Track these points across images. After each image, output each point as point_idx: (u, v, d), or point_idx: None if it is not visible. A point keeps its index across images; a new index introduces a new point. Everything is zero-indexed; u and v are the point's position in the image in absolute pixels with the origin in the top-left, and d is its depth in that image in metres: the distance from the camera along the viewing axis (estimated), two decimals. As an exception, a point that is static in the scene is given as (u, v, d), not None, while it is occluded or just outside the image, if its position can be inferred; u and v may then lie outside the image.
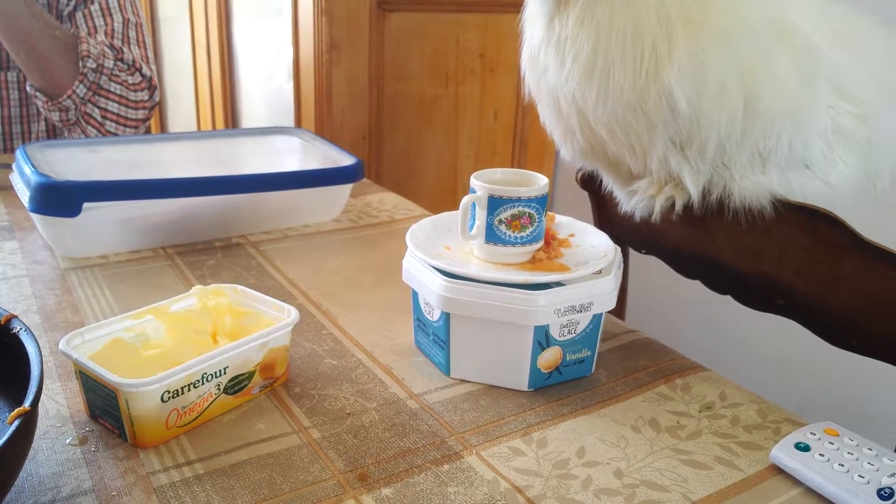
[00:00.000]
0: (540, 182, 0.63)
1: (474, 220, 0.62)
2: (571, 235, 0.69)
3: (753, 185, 0.68)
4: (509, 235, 0.61)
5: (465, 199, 0.62)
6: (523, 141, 1.82)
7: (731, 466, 0.52)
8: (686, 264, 0.82)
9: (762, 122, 0.65)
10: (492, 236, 0.62)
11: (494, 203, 0.61)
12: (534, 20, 0.71)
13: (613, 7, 0.63)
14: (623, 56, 0.63)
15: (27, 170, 0.80)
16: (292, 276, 0.82)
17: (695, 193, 0.69)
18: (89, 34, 1.22)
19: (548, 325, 0.58)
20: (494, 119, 1.75)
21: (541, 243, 0.63)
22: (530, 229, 0.61)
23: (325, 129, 1.51)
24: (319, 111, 1.51)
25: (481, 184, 0.61)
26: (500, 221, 0.61)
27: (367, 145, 1.59)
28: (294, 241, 0.92)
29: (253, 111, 1.95)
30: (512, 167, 1.86)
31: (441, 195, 1.70)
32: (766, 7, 0.68)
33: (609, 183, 0.80)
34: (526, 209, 0.61)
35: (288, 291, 0.78)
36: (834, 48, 0.66)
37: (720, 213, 0.71)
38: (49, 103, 1.16)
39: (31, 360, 0.45)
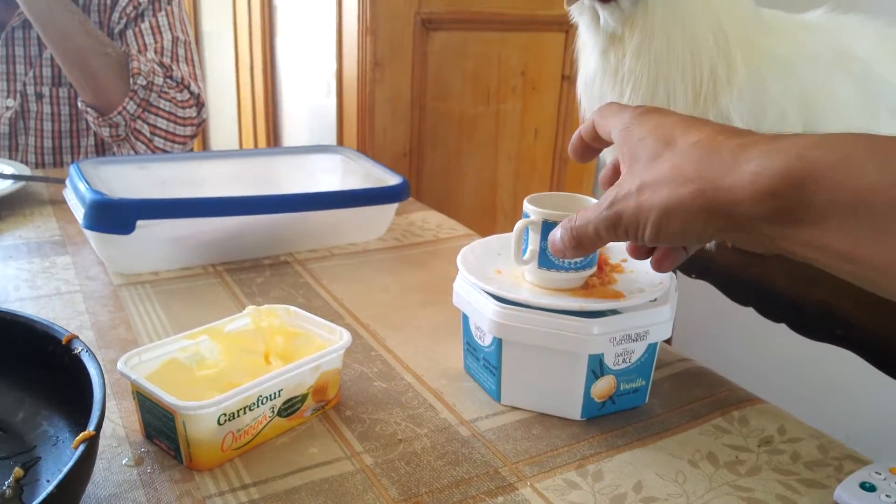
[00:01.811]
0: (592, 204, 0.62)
1: (527, 244, 0.62)
2: (624, 260, 0.68)
3: None
4: (562, 261, 0.60)
5: (519, 224, 0.61)
6: (563, 159, 1.81)
7: (793, 505, 0.51)
8: (738, 290, 0.81)
9: None
10: (545, 261, 0.61)
11: (548, 228, 0.60)
12: (586, 49, 0.70)
13: (670, 37, 0.62)
14: (683, 83, 0.62)
15: (82, 187, 0.81)
16: (340, 295, 0.82)
17: None
18: (140, 51, 1.24)
19: (602, 354, 0.57)
20: (535, 137, 1.74)
21: (594, 269, 0.62)
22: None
23: (367, 146, 1.52)
24: (361, 128, 1.52)
25: (535, 208, 0.61)
26: None
27: (407, 162, 1.59)
28: (340, 259, 0.92)
29: (294, 127, 1.97)
30: (551, 185, 1.86)
31: (480, 213, 1.69)
32: (826, 34, 0.67)
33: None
34: None
35: (336, 311, 0.78)
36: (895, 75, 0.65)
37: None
38: (100, 119, 1.19)
39: (93, 382, 0.46)
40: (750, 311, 0.80)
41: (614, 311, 0.58)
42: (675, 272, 0.87)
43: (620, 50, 0.64)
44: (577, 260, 0.60)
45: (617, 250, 0.70)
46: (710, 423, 0.60)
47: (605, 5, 0.64)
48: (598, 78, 0.68)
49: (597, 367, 0.58)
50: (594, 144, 0.55)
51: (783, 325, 0.77)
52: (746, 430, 0.59)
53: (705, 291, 0.86)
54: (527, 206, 0.61)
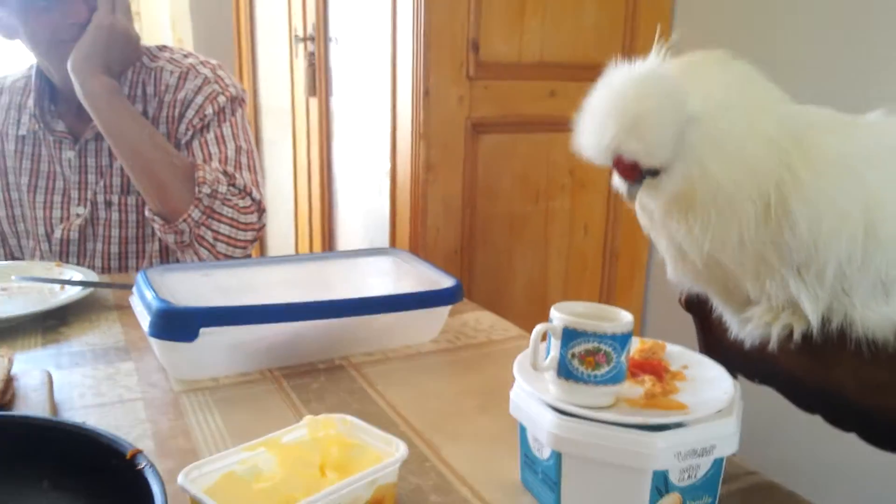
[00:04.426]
0: (622, 319, 0.60)
1: (549, 351, 0.61)
2: (685, 367, 0.67)
3: (877, 315, 0.65)
4: (582, 372, 0.58)
5: (537, 329, 0.59)
6: (614, 254, 1.81)
7: None
8: (804, 397, 0.78)
9: (884, 249, 0.63)
10: (564, 370, 0.59)
11: (569, 335, 0.58)
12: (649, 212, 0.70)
13: (725, 166, 0.62)
14: (752, 203, 0.62)
15: (148, 294, 0.84)
16: (394, 401, 0.82)
17: (814, 320, 0.66)
18: (205, 161, 1.30)
19: (667, 470, 0.56)
20: (584, 234, 1.75)
21: (620, 385, 0.59)
22: (606, 368, 0.57)
23: (420, 245, 1.55)
24: (414, 228, 1.55)
25: (559, 314, 0.60)
26: (574, 356, 0.58)
27: (458, 260, 1.61)
28: (395, 363, 0.93)
29: (348, 227, 2.02)
30: (602, 282, 1.85)
31: (531, 311, 1.69)
32: (884, 134, 0.67)
33: (719, 307, 0.78)
34: (602, 346, 0.57)
35: (390, 418, 0.78)
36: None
37: (841, 344, 0.67)
38: (165, 226, 1.24)
39: (155, 500, 0.46)
40: (818, 418, 0.77)
41: (678, 424, 0.56)
42: (736, 378, 0.85)
43: (683, 202, 0.65)
44: (599, 373, 0.58)
45: (677, 356, 0.69)
46: (783, 543, 0.57)
47: (648, 185, 0.63)
48: (665, 219, 0.68)
49: (661, 484, 0.56)
50: None
51: (853, 435, 0.73)
52: (824, 552, 0.56)
53: (771, 396, 0.83)
54: (552, 313, 0.60)
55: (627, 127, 0.57)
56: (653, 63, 0.63)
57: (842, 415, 0.74)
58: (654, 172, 0.61)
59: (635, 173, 0.58)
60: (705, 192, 0.63)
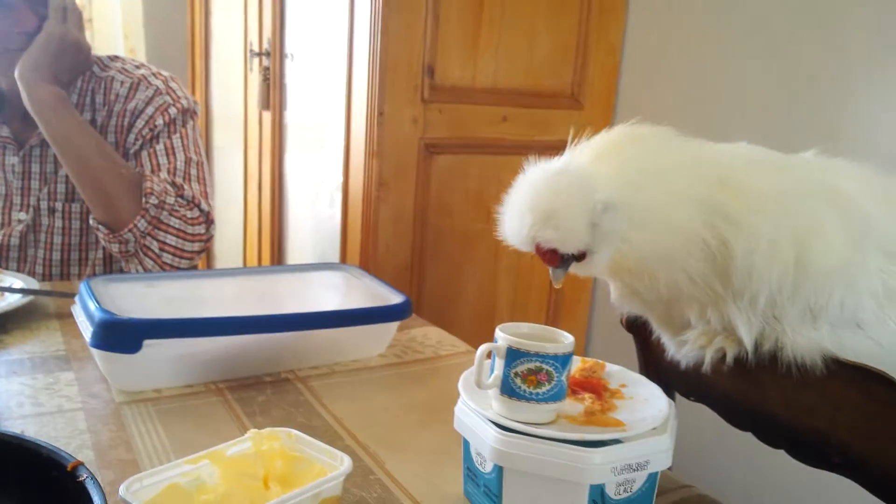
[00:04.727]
0: (564, 340, 0.62)
1: (493, 369, 0.63)
2: (623, 386, 0.69)
3: (805, 339, 0.68)
4: (524, 390, 0.60)
5: (482, 348, 0.61)
6: (561, 274, 1.84)
7: None
8: (737, 415, 0.81)
9: (813, 280, 0.66)
10: (507, 388, 0.60)
11: (513, 355, 0.60)
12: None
13: (651, 232, 0.66)
14: (692, 252, 0.66)
15: (91, 305, 0.83)
16: (340, 414, 0.82)
17: (748, 343, 0.69)
18: (153, 171, 1.29)
19: (604, 484, 0.58)
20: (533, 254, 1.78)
21: (560, 403, 0.61)
22: (547, 387, 0.60)
23: (370, 260, 1.56)
24: (365, 243, 1.56)
25: (503, 334, 0.62)
26: (517, 374, 0.60)
27: (409, 276, 1.62)
28: (341, 377, 0.93)
29: (298, 239, 2.01)
30: (549, 299, 1.88)
31: (480, 328, 1.71)
32: (817, 171, 0.71)
33: (657, 329, 0.81)
34: (544, 365, 0.60)
35: (335, 431, 0.78)
36: (882, 214, 0.68)
37: (772, 367, 0.70)
38: (110, 235, 1.22)
39: (96, 511, 0.46)
40: (749, 435, 0.80)
41: (615, 441, 0.58)
42: (671, 396, 0.88)
43: (623, 267, 0.68)
44: (540, 391, 0.60)
45: (616, 375, 0.71)
46: (712, 556, 0.60)
47: (581, 263, 0.67)
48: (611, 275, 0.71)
49: (598, 497, 0.58)
50: None
51: (782, 451, 0.77)
52: (749, 563, 0.59)
53: (705, 414, 0.86)
54: (497, 333, 0.63)
55: (542, 219, 0.61)
56: (566, 158, 0.67)
57: (772, 433, 0.77)
58: (580, 256, 0.64)
59: (556, 259, 0.62)
60: (641, 259, 0.67)
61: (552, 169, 0.64)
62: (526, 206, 0.63)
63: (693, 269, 0.67)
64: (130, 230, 1.21)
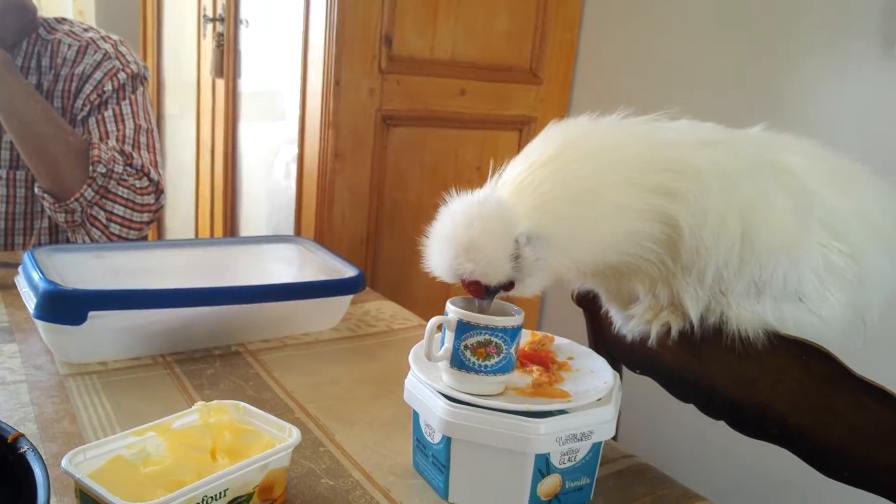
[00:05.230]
0: (514, 314, 0.63)
1: (444, 342, 0.63)
2: (570, 358, 0.70)
3: (749, 313, 0.70)
4: (473, 362, 0.61)
5: (432, 321, 0.62)
6: (517, 249, 1.85)
7: None
8: (680, 388, 0.83)
9: (758, 255, 0.68)
10: (457, 361, 0.61)
11: (463, 327, 0.61)
12: None
13: (584, 247, 0.66)
14: (643, 243, 0.66)
15: (35, 276, 0.81)
16: (290, 387, 0.82)
17: (694, 318, 0.71)
18: (101, 139, 1.26)
19: (548, 453, 0.59)
20: (489, 228, 1.78)
21: (509, 375, 0.62)
22: (496, 359, 0.60)
23: (325, 233, 1.54)
24: (320, 216, 1.54)
25: (454, 308, 0.63)
26: (466, 347, 0.61)
27: (364, 249, 1.61)
28: (293, 350, 0.93)
29: (253, 212, 1.99)
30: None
31: (435, 302, 1.71)
32: (763, 148, 0.72)
33: (606, 304, 0.82)
34: (493, 338, 0.60)
35: (286, 404, 0.78)
36: (826, 190, 0.70)
37: (716, 340, 0.72)
38: (56, 205, 1.19)
39: (37, 483, 0.45)
40: (692, 407, 0.82)
41: (561, 411, 0.59)
42: (618, 369, 0.90)
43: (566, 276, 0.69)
44: (489, 363, 0.61)
45: (565, 348, 0.72)
46: (652, 522, 0.61)
47: (513, 291, 0.66)
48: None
49: (543, 466, 0.59)
50: None
51: (723, 422, 0.79)
52: (687, 530, 0.61)
53: (650, 386, 0.88)
54: (448, 306, 0.63)
55: (462, 252, 0.61)
56: (487, 190, 0.66)
57: (714, 405, 0.79)
58: (507, 285, 0.64)
59: (481, 291, 0.62)
60: (582, 269, 0.68)
61: (473, 201, 0.64)
62: (447, 238, 0.63)
63: (643, 254, 0.68)
64: (77, 199, 1.18)
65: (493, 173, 0.70)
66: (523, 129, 1.70)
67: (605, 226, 0.66)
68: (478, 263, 0.61)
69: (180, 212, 2.47)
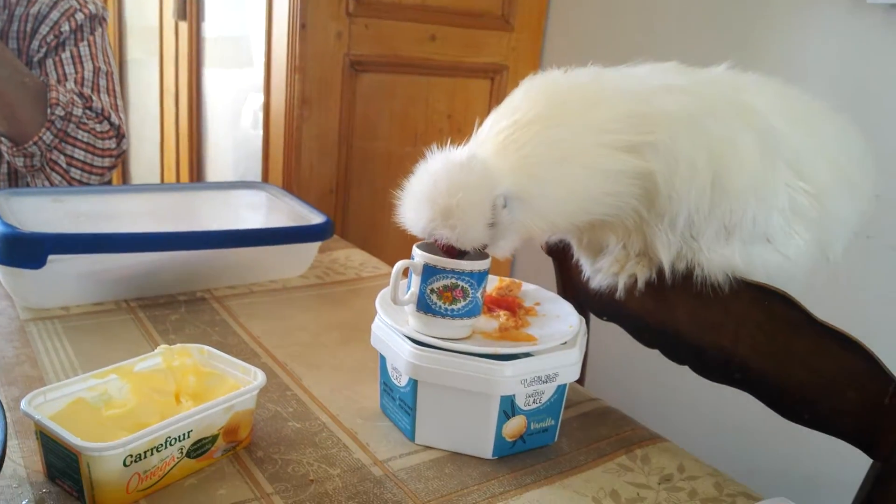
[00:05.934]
0: (480, 258, 0.63)
1: (410, 286, 0.63)
2: (537, 304, 0.71)
3: (718, 256, 0.71)
4: (440, 306, 0.60)
5: (398, 265, 0.62)
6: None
7: (690, 541, 0.53)
8: (646, 334, 0.84)
9: (729, 198, 0.68)
10: (423, 305, 0.61)
11: (429, 271, 0.61)
12: None
13: (565, 201, 0.66)
14: (619, 194, 0.67)
15: (-9, 218, 0.79)
16: (257, 333, 0.81)
17: (666, 264, 0.71)
18: (59, 81, 1.21)
19: (514, 395, 0.59)
20: (460, 178, 1.77)
21: (475, 319, 0.62)
22: (462, 303, 0.60)
23: (293, 182, 1.52)
24: (287, 164, 1.52)
25: (420, 252, 0.62)
26: (433, 291, 0.60)
27: (333, 199, 1.60)
28: (260, 296, 0.92)
29: (219, 160, 1.95)
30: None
31: (405, 251, 1.71)
32: (729, 87, 0.72)
33: (577, 253, 0.83)
34: (459, 282, 0.60)
35: (252, 349, 0.77)
36: (790, 130, 0.70)
37: (683, 287, 0.73)
38: (14, 149, 1.15)
39: (-7, 423, 0.44)
40: (657, 353, 0.83)
41: (527, 354, 0.60)
42: (586, 316, 0.90)
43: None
44: (455, 307, 0.60)
45: (532, 294, 0.73)
46: (614, 461, 0.63)
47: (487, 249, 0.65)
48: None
49: (508, 408, 0.60)
50: None
51: (686, 367, 0.80)
52: (648, 468, 0.62)
53: (617, 333, 0.89)
54: (414, 250, 0.63)
55: (440, 216, 0.60)
56: (469, 150, 0.64)
57: (678, 350, 0.81)
58: (481, 248, 0.63)
59: (455, 253, 0.61)
60: (555, 230, 0.68)
61: (454, 161, 0.62)
62: (425, 199, 0.61)
63: (620, 212, 0.68)
64: (35, 143, 1.14)
65: (473, 128, 0.68)
66: (495, 78, 1.68)
67: (584, 188, 0.66)
68: (454, 230, 0.60)
69: (145, 159, 2.42)
